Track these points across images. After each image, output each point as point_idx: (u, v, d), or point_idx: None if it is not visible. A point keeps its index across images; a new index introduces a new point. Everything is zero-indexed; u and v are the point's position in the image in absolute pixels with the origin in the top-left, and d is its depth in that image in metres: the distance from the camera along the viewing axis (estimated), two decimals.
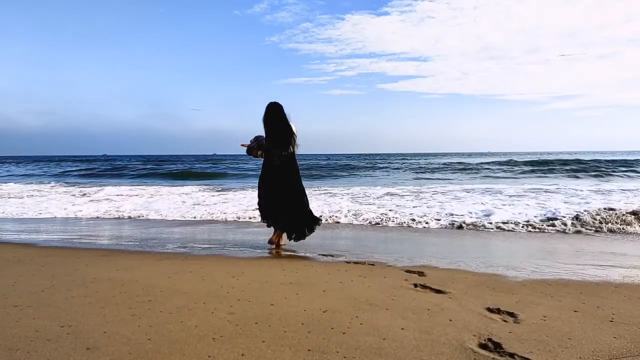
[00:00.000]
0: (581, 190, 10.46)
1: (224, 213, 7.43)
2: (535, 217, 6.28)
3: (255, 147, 4.37)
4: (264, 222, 4.62)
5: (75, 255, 4.11)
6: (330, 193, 11.15)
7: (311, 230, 4.46)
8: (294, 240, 4.47)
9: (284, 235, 4.54)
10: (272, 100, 4.30)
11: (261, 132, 4.40)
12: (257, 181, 4.58)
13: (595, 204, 7.46)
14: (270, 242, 4.52)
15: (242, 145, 4.45)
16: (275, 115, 4.25)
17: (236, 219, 6.95)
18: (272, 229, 4.58)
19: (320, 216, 4.56)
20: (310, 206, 4.55)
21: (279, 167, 4.34)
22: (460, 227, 5.92)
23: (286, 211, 4.39)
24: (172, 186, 14.30)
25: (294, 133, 4.29)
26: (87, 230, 5.99)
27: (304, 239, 4.46)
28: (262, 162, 4.47)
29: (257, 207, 4.64)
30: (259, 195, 4.56)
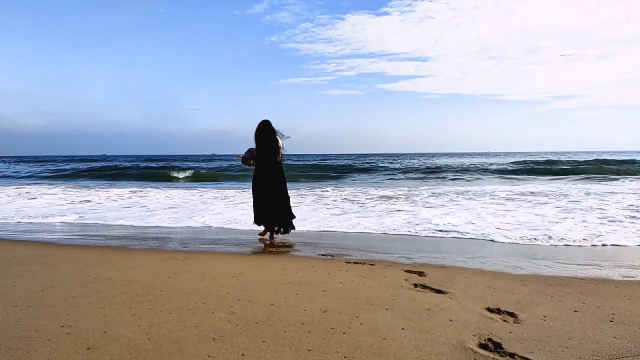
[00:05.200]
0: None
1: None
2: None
3: (248, 157, 5.12)
4: (255, 223, 5.18)
5: (75, 255, 4.11)
6: (322, 196, 11.17)
7: (286, 231, 5.11)
8: (280, 234, 5.11)
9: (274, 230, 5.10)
10: (264, 119, 5.02)
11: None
12: (251, 185, 5.23)
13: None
14: (261, 235, 5.24)
15: (237, 156, 5.27)
16: (264, 130, 4.97)
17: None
18: (261, 227, 5.22)
19: (294, 228, 5.26)
20: (292, 213, 5.21)
21: (268, 172, 5.02)
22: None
23: (274, 207, 5.03)
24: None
25: (280, 147, 5.02)
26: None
27: (282, 234, 5.11)
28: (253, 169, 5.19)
29: (254, 215, 5.20)
30: (254, 201, 5.17)
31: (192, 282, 3.10)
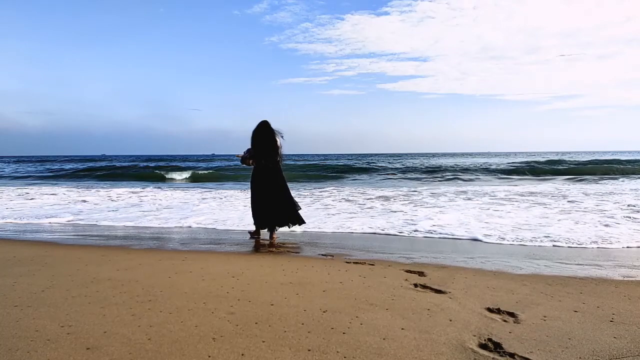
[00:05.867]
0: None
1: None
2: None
3: (247, 157, 5.19)
4: (255, 224, 5.24)
5: (75, 255, 4.11)
6: (322, 196, 11.17)
7: (297, 223, 5.21)
8: (288, 227, 5.27)
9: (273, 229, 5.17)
10: (263, 119, 5.13)
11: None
12: (250, 185, 5.31)
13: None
14: (252, 234, 5.30)
15: (237, 155, 5.34)
16: (264, 131, 5.08)
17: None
18: (255, 227, 5.28)
19: (304, 222, 5.36)
20: (299, 207, 5.31)
21: (267, 172, 5.10)
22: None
23: (275, 205, 5.09)
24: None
25: (279, 146, 5.11)
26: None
27: (289, 227, 5.25)
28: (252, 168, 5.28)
29: (251, 212, 5.29)
30: (252, 201, 5.25)
31: (192, 282, 3.10)
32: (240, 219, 6.69)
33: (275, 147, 5.06)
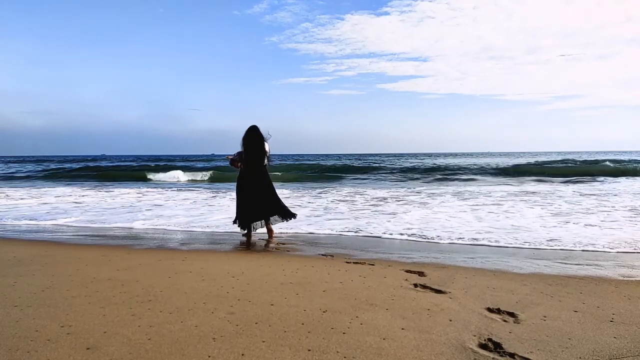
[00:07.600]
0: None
1: None
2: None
3: (236, 159, 5.33)
4: (241, 228, 5.31)
5: (75, 255, 4.11)
6: (320, 197, 11.17)
7: (285, 218, 5.37)
8: (282, 221, 5.37)
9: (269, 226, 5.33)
10: (252, 124, 5.32)
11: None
12: (235, 188, 5.45)
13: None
14: (245, 232, 5.34)
15: (227, 157, 5.51)
16: (253, 136, 5.25)
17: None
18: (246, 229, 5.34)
19: (295, 214, 5.51)
20: (284, 204, 5.46)
21: (256, 176, 5.25)
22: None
23: (262, 202, 5.25)
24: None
25: (266, 151, 5.27)
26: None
27: (282, 221, 5.38)
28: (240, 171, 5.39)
29: (235, 215, 5.39)
30: (237, 201, 5.38)
31: (192, 282, 3.10)
32: (231, 218, 6.67)
33: (262, 151, 5.24)
